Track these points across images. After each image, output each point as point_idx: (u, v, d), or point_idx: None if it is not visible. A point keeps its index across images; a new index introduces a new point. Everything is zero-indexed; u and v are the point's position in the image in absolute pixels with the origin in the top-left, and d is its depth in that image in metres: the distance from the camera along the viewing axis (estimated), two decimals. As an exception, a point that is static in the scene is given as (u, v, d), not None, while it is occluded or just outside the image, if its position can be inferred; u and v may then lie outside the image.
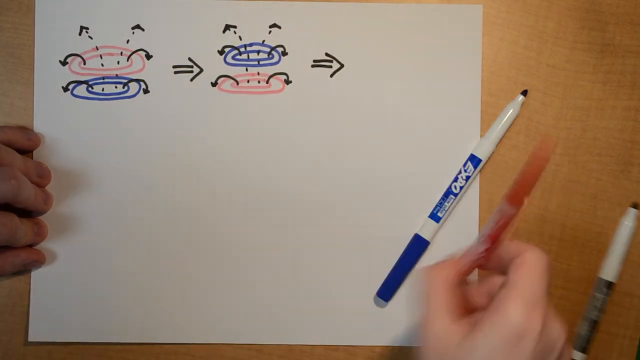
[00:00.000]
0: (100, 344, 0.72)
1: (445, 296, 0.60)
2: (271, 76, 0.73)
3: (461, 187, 0.71)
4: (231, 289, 0.72)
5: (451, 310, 0.59)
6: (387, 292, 0.72)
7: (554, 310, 0.59)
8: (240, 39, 0.73)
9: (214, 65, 0.73)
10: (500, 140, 0.73)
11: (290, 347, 0.73)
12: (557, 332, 0.58)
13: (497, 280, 0.61)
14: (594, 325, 0.72)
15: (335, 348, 0.73)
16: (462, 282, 0.62)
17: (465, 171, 0.71)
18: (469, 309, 0.61)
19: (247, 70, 0.73)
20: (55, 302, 0.72)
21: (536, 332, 0.56)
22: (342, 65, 0.73)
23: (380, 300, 0.72)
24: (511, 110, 0.72)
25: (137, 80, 0.73)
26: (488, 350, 0.56)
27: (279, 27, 0.73)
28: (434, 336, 0.59)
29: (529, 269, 0.58)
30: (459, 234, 0.72)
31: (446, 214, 0.71)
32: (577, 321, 0.73)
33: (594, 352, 0.73)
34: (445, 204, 0.70)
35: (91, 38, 0.73)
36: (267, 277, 0.72)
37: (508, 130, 0.73)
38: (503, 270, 0.59)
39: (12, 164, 0.68)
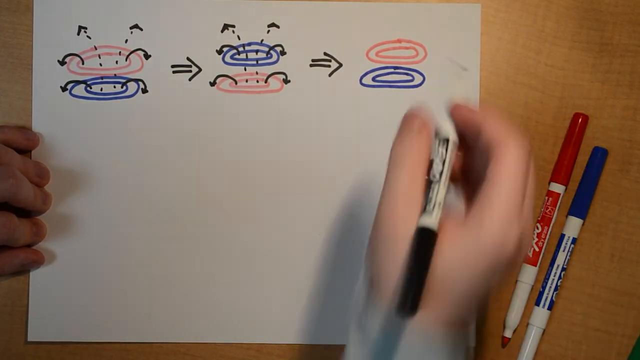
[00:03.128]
0: (100, 343, 0.72)
1: (409, 177, 0.55)
2: (270, 75, 0.73)
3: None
4: (231, 289, 0.72)
5: (417, 194, 0.55)
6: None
7: (530, 215, 0.56)
8: (239, 39, 0.73)
9: (213, 65, 0.73)
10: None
11: (290, 347, 0.73)
12: (527, 244, 0.56)
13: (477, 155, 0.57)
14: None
15: (335, 348, 0.73)
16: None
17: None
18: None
19: (245, 69, 0.73)
20: (54, 302, 0.72)
21: (510, 253, 0.53)
22: (340, 65, 0.73)
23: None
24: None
25: (136, 80, 0.73)
26: (456, 263, 0.53)
27: (278, 27, 0.73)
28: (390, 210, 0.55)
29: (507, 174, 0.53)
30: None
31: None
32: (577, 320, 0.73)
33: (593, 352, 0.73)
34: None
35: (89, 38, 0.73)
36: (267, 276, 0.72)
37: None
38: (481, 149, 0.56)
39: (10, 163, 0.68)
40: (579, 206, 0.72)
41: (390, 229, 0.55)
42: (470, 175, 0.58)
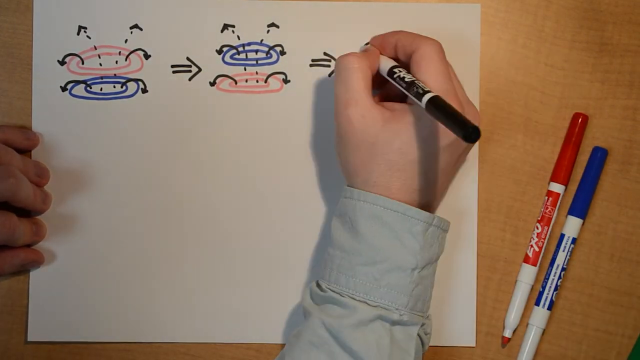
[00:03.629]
0: (99, 343, 0.72)
1: (365, 81, 0.65)
2: (269, 75, 0.73)
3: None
4: (231, 289, 0.72)
5: (370, 95, 0.65)
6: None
7: (463, 93, 0.67)
8: (239, 39, 0.73)
9: (213, 65, 0.73)
10: (499, 139, 0.73)
11: (289, 347, 0.73)
12: (472, 115, 0.66)
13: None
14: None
15: (334, 347, 0.73)
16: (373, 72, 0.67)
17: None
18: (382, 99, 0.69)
19: (245, 69, 0.73)
20: (54, 301, 0.72)
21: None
22: (340, 65, 0.73)
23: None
24: None
25: (136, 80, 0.73)
26: (409, 138, 0.63)
27: (277, 27, 0.73)
28: (358, 118, 0.64)
29: (429, 63, 0.64)
30: (458, 234, 0.72)
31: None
32: (577, 320, 0.73)
33: (593, 352, 0.73)
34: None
35: (89, 38, 0.73)
36: (267, 276, 0.72)
37: (507, 130, 0.73)
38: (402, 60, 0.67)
39: (10, 163, 0.68)
40: (579, 206, 0.72)
41: (365, 135, 0.64)
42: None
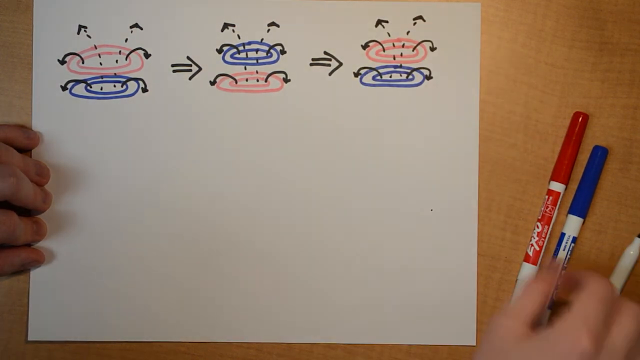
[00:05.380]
0: (100, 342, 0.72)
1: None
2: (270, 75, 0.73)
3: None
4: (230, 288, 0.72)
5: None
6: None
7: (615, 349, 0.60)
8: (239, 38, 0.73)
9: (213, 64, 0.73)
10: (499, 139, 0.73)
11: (289, 346, 0.73)
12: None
13: None
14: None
15: (335, 346, 0.73)
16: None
17: None
18: None
19: (245, 68, 0.73)
20: (54, 301, 0.72)
21: (585, 351, 0.59)
22: (340, 64, 0.73)
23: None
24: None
25: (136, 79, 0.73)
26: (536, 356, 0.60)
27: (278, 26, 0.73)
28: (496, 328, 0.61)
29: (587, 293, 0.61)
30: (458, 234, 0.72)
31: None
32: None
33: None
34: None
35: (89, 37, 0.73)
36: (266, 275, 0.72)
37: (507, 129, 0.73)
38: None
39: (11, 162, 0.68)
40: (580, 205, 0.72)
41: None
42: None
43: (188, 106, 0.73)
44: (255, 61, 0.73)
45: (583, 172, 0.73)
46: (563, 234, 0.72)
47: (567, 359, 0.59)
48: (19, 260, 0.70)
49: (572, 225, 0.72)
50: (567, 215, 0.73)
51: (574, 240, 0.72)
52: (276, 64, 0.73)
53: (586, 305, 0.60)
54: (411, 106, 0.73)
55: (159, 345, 0.72)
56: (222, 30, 0.73)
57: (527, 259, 0.72)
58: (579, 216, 0.72)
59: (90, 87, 0.73)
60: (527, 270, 0.72)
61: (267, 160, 0.73)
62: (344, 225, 0.73)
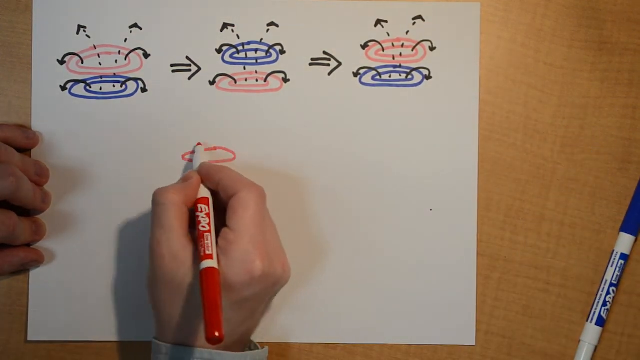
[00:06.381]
0: (99, 342, 0.72)
1: (178, 218, 0.65)
2: (269, 74, 0.73)
3: None
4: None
5: (185, 232, 0.65)
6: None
7: (278, 243, 0.67)
8: (238, 38, 0.73)
9: (212, 64, 0.73)
10: (499, 138, 0.73)
11: (289, 345, 0.73)
12: (280, 270, 0.66)
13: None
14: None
15: (334, 346, 0.73)
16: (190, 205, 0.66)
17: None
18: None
19: (245, 68, 0.73)
20: (54, 301, 0.72)
21: (257, 276, 0.64)
22: (339, 64, 0.73)
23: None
24: None
25: (135, 79, 0.73)
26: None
27: (277, 26, 0.73)
28: (170, 255, 0.64)
29: (244, 210, 0.64)
30: (457, 233, 0.72)
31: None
32: (577, 319, 0.73)
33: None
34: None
35: (89, 37, 0.73)
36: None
37: (507, 128, 0.73)
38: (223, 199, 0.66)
39: (10, 162, 0.68)
40: (632, 223, 0.72)
41: (175, 274, 0.64)
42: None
43: (187, 106, 0.73)
44: (254, 61, 0.73)
45: (635, 190, 0.72)
46: (613, 251, 0.73)
47: (247, 283, 0.63)
48: (19, 260, 0.70)
49: (623, 242, 0.72)
50: (618, 233, 0.73)
51: (623, 257, 0.72)
52: (275, 63, 0.73)
53: (249, 225, 0.64)
54: (410, 106, 0.73)
55: (159, 345, 0.72)
56: (221, 30, 0.73)
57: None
58: (630, 234, 0.72)
59: (90, 87, 0.73)
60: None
61: (266, 160, 0.73)
62: (344, 225, 0.73)
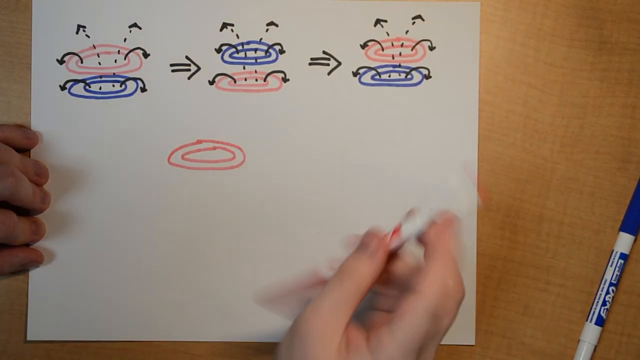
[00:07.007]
0: (99, 342, 0.72)
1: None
2: (269, 74, 0.73)
3: None
4: (230, 288, 0.72)
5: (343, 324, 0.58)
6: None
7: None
8: (238, 37, 0.73)
9: (212, 64, 0.73)
10: (498, 138, 0.73)
11: (289, 345, 0.73)
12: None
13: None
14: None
15: (334, 346, 0.73)
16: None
17: None
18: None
19: (244, 68, 0.73)
20: (53, 301, 0.72)
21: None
22: (339, 63, 0.73)
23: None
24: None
25: (135, 79, 0.73)
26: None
27: (276, 25, 0.73)
28: (323, 344, 0.58)
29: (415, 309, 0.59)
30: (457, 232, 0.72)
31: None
32: (576, 318, 0.73)
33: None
34: None
35: (88, 37, 0.73)
36: (266, 275, 0.72)
37: (506, 128, 0.73)
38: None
39: (10, 162, 0.68)
40: (631, 222, 0.72)
41: (318, 346, 0.57)
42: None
43: (187, 106, 0.73)
44: (254, 61, 0.73)
45: (634, 189, 0.73)
46: (612, 251, 0.73)
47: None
48: (18, 260, 0.70)
49: (623, 242, 0.72)
50: (618, 233, 0.73)
51: (623, 256, 0.72)
52: (275, 63, 0.73)
53: (410, 328, 0.59)
54: (410, 106, 0.73)
55: (158, 344, 0.72)
56: (220, 30, 0.73)
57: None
58: (630, 234, 0.72)
59: (89, 87, 0.73)
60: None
61: (266, 160, 0.73)
62: (344, 225, 0.73)
